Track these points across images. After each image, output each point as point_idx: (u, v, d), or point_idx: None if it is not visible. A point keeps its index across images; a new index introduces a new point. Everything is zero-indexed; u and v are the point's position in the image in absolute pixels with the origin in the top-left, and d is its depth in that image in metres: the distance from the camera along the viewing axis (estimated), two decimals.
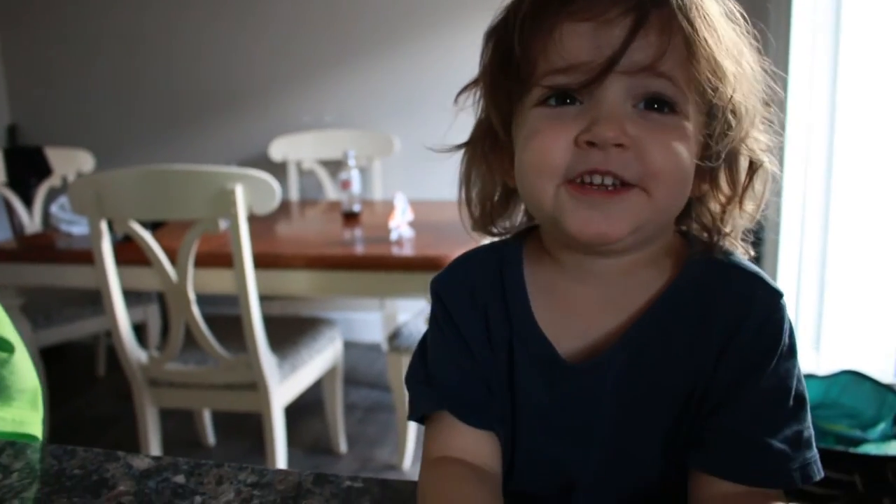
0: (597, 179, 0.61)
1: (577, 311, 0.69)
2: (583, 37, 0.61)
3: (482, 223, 0.75)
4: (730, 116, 0.64)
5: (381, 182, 3.26)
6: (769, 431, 0.63)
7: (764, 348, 0.64)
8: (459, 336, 0.72)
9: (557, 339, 0.69)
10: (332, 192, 3.27)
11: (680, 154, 0.62)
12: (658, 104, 0.62)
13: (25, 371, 0.97)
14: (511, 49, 0.64)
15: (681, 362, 0.66)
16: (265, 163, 3.26)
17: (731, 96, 0.63)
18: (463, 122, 0.74)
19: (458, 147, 0.74)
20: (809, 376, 1.64)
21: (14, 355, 0.94)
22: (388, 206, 2.55)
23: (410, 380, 0.75)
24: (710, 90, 0.62)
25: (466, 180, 0.74)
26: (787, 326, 0.65)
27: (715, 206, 0.69)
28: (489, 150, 0.72)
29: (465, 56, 3.36)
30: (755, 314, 0.64)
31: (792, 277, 2.55)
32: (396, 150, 3.21)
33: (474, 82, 0.71)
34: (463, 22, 3.27)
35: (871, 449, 1.44)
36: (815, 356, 2.48)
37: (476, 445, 0.70)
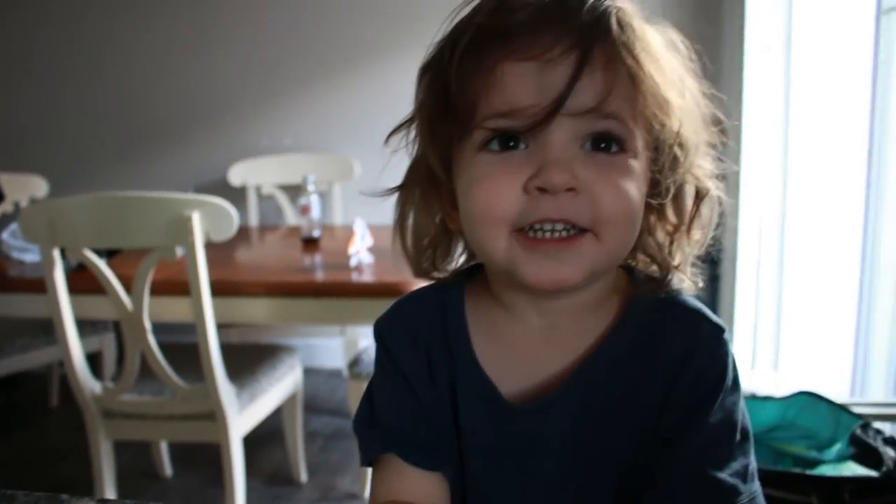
0: (547, 227, 0.60)
1: (521, 352, 0.69)
2: (525, 77, 0.59)
3: (421, 267, 0.73)
4: (676, 150, 0.63)
5: (342, 206, 3.24)
6: (719, 465, 0.63)
7: (711, 383, 0.64)
8: (403, 378, 0.71)
9: (500, 380, 0.68)
10: (291, 217, 3.24)
11: (630, 195, 0.61)
12: (605, 143, 0.61)
13: None
14: (448, 88, 0.62)
15: (630, 402, 0.66)
16: (224, 188, 3.22)
17: (678, 130, 0.62)
18: (401, 157, 0.72)
19: (393, 190, 0.72)
20: (767, 398, 1.66)
21: None
22: (349, 231, 2.53)
23: (357, 424, 0.74)
24: (656, 125, 0.61)
25: (401, 222, 0.72)
26: (731, 361, 0.65)
27: (662, 237, 0.68)
28: (428, 191, 0.70)
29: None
30: (700, 350, 0.65)
31: (750, 299, 2.59)
32: (356, 174, 3.20)
33: (408, 121, 0.70)
34: (423, 45, 3.28)
35: (827, 470, 1.45)
36: (775, 377, 2.51)
37: (424, 487, 0.69)
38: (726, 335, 0.66)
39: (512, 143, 0.61)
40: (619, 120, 0.60)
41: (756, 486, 0.64)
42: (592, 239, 0.61)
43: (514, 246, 0.61)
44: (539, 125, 0.59)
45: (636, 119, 0.61)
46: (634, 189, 0.61)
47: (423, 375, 0.71)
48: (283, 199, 3.27)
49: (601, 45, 0.59)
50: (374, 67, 3.39)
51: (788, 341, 2.53)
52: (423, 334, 0.71)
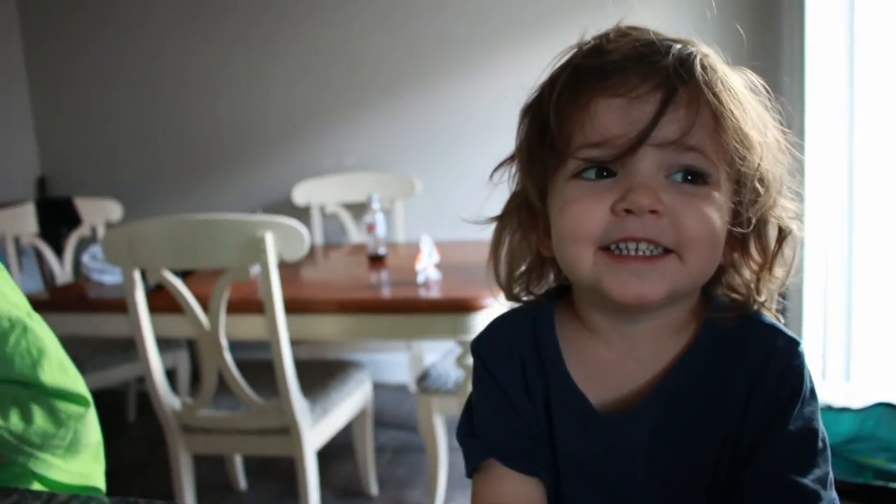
0: (631, 247, 0.65)
1: (608, 369, 0.73)
2: (616, 112, 0.64)
3: (512, 292, 0.78)
4: (757, 185, 0.67)
5: (404, 224, 3.30)
6: (802, 472, 0.65)
7: (788, 394, 0.67)
8: (500, 391, 0.75)
9: (590, 393, 0.72)
10: (355, 234, 3.31)
11: (712, 221, 0.65)
12: (691, 176, 0.65)
13: (93, 425, 1.01)
14: (546, 124, 0.68)
15: (711, 413, 0.69)
16: (289, 207, 3.31)
17: (759, 165, 0.66)
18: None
19: (493, 219, 0.77)
20: (843, 409, 1.65)
21: (88, 410, 0.99)
22: (412, 248, 2.58)
23: (460, 435, 0.79)
24: (738, 160, 0.65)
25: (496, 249, 0.77)
26: (806, 372, 0.68)
27: (747, 273, 0.72)
28: (524, 221, 0.75)
29: (484, 99, 3.42)
30: (776, 362, 0.68)
31: (819, 309, 2.55)
32: (418, 192, 3.25)
33: (510, 158, 0.75)
34: (483, 65, 3.33)
35: None
36: (846, 388, 2.47)
37: (524, 491, 0.74)
38: (801, 348, 0.69)
39: (605, 173, 0.66)
40: (701, 153, 0.64)
41: (834, 494, 0.66)
42: (676, 260, 0.65)
43: (599, 262, 0.66)
44: (626, 154, 0.64)
45: (718, 153, 0.65)
46: (715, 216, 0.65)
47: (518, 388, 0.75)
48: (346, 218, 3.33)
49: (685, 84, 0.64)
50: (433, 87, 3.44)
51: (860, 351, 2.49)
52: (518, 351, 0.76)
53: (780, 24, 2.81)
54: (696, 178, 0.65)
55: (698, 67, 0.64)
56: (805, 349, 0.69)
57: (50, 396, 0.97)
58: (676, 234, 0.64)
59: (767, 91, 0.70)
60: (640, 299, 0.65)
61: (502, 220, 0.77)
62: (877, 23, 2.30)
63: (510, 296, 0.78)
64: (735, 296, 0.73)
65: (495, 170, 0.76)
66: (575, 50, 0.69)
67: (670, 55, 0.64)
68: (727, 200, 0.67)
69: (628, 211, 0.64)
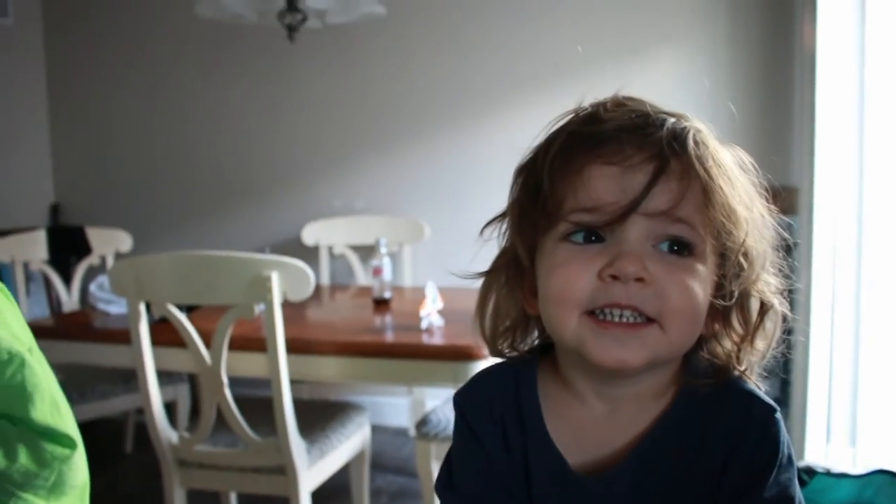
0: (616, 313, 0.66)
1: (587, 430, 0.73)
2: (609, 179, 0.66)
3: (497, 348, 0.79)
4: (742, 259, 0.69)
5: (411, 268, 3.31)
6: None
7: (763, 461, 0.67)
8: (480, 445, 0.77)
9: (568, 453, 0.73)
10: (362, 276, 3.32)
11: (695, 293, 0.67)
12: (677, 246, 0.67)
13: (80, 467, 1.01)
14: (540, 185, 0.69)
15: (687, 478, 0.70)
16: (297, 246, 3.33)
17: (744, 240, 0.68)
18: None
19: (481, 274, 0.78)
20: (842, 475, 1.63)
21: (75, 452, 0.98)
22: (418, 293, 2.58)
23: (438, 486, 0.80)
24: (724, 234, 0.67)
25: (482, 304, 0.78)
26: (783, 438, 0.68)
27: (728, 345, 0.73)
28: (512, 278, 0.76)
29: (494, 151, 3.45)
30: (752, 428, 0.68)
31: (824, 371, 2.54)
32: (426, 237, 3.27)
33: (501, 215, 0.77)
34: (492, 113, 3.37)
35: None
36: (852, 452, 2.45)
37: None
38: (778, 414, 0.69)
39: (593, 238, 0.68)
40: (689, 225, 0.66)
41: None
42: (657, 329, 0.66)
43: (583, 326, 0.67)
44: (617, 220, 0.66)
45: (706, 226, 0.67)
46: (699, 288, 0.67)
47: (497, 444, 0.76)
48: (354, 259, 3.35)
49: (677, 157, 0.66)
50: (445, 137, 3.48)
51: (866, 416, 2.47)
52: (499, 407, 0.77)
53: (792, 87, 2.84)
54: (682, 249, 0.67)
55: (691, 142, 0.66)
56: (781, 416, 0.70)
57: (37, 435, 0.96)
58: (660, 305, 0.65)
59: (755, 168, 0.72)
60: (620, 364, 0.66)
61: (490, 275, 0.78)
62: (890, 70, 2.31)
63: (494, 351, 0.79)
64: (716, 361, 0.74)
65: (486, 225, 0.77)
66: (572, 115, 0.71)
67: (664, 128, 0.66)
68: (711, 273, 0.69)
69: (615, 277, 0.65)
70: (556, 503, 0.73)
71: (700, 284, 0.67)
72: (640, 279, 0.65)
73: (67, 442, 0.99)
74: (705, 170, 0.66)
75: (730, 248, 0.68)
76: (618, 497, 0.70)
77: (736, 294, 0.70)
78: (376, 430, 3.07)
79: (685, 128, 0.68)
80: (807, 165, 2.48)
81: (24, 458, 0.94)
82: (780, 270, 0.73)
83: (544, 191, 0.69)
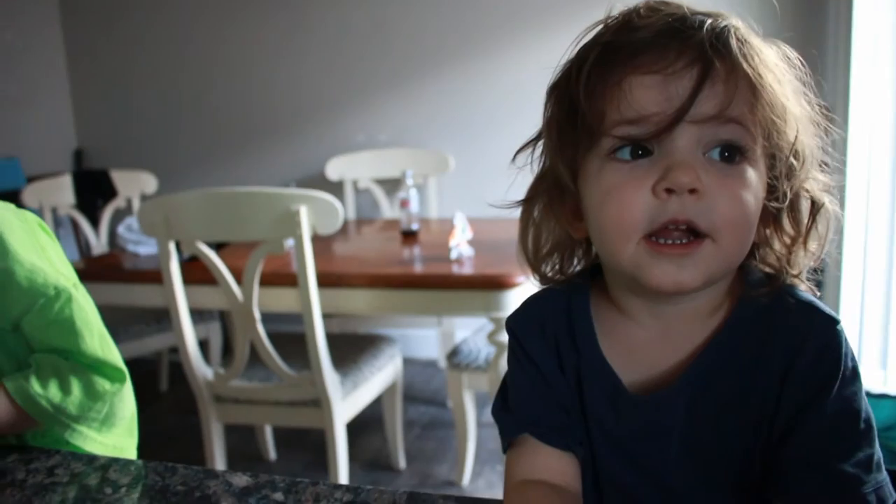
0: (671, 236, 0.64)
1: (641, 349, 0.72)
2: (651, 89, 0.63)
3: (543, 274, 0.77)
4: (792, 159, 0.66)
5: (437, 201, 3.29)
6: (840, 456, 0.63)
7: (825, 374, 0.65)
8: (534, 366, 0.75)
9: (622, 371, 0.72)
10: (387, 210, 3.31)
11: (747, 204, 0.64)
12: (729, 152, 0.64)
13: (128, 399, 1.03)
14: (576, 103, 0.66)
15: (744, 395, 0.68)
16: (322, 182, 3.32)
17: (795, 137, 0.65)
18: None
19: (520, 202, 0.76)
20: (882, 395, 1.62)
21: (124, 384, 1.00)
22: (445, 225, 2.57)
23: (495, 410, 0.79)
24: (774, 133, 0.64)
25: (524, 232, 0.76)
26: (845, 351, 0.65)
27: (780, 248, 0.71)
28: (553, 203, 0.74)
29: (519, 78, 3.39)
30: (812, 341, 0.65)
31: (856, 295, 2.52)
32: (451, 169, 3.24)
33: (535, 139, 0.74)
34: (515, 42, 3.30)
35: None
36: (883, 375, 2.44)
37: (557, 466, 0.73)
38: (839, 326, 0.67)
39: (640, 152, 0.65)
40: (740, 125, 0.63)
41: (883, 475, 0.64)
42: (711, 244, 0.64)
43: (640, 252, 0.65)
44: (664, 131, 0.63)
45: (756, 126, 0.64)
46: (751, 197, 0.64)
47: (552, 363, 0.75)
48: (379, 193, 3.34)
49: (721, 58, 0.62)
50: (467, 64, 3.42)
51: None
52: (551, 327, 0.76)
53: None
54: (733, 154, 0.64)
55: (733, 40, 0.63)
56: (843, 328, 0.67)
57: (88, 369, 0.98)
58: (713, 218, 0.63)
59: (802, 64, 0.69)
60: (677, 287, 0.64)
61: (529, 202, 0.76)
62: None
63: (543, 279, 0.77)
64: (768, 270, 0.72)
65: (519, 151, 0.74)
66: (602, 27, 0.67)
67: (704, 29, 0.63)
68: (763, 176, 0.66)
69: (669, 191, 0.63)
70: (611, 423, 0.72)
71: (752, 192, 0.65)
72: (693, 190, 0.62)
73: (117, 374, 1.00)
74: (752, 67, 0.63)
75: (781, 147, 0.66)
76: (673, 415, 0.69)
77: (790, 195, 0.67)
78: (406, 362, 3.11)
79: (726, 26, 0.64)
80: (841, 85, 2.42)
81: (77, 391, 0.96)
82: (836, 168, 0.71)
83: (582, 107, 0.66)
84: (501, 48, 3.34)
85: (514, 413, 0.76)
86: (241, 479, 0.79)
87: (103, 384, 0.98)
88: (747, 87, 0.63)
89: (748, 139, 0.64)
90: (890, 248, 2.41)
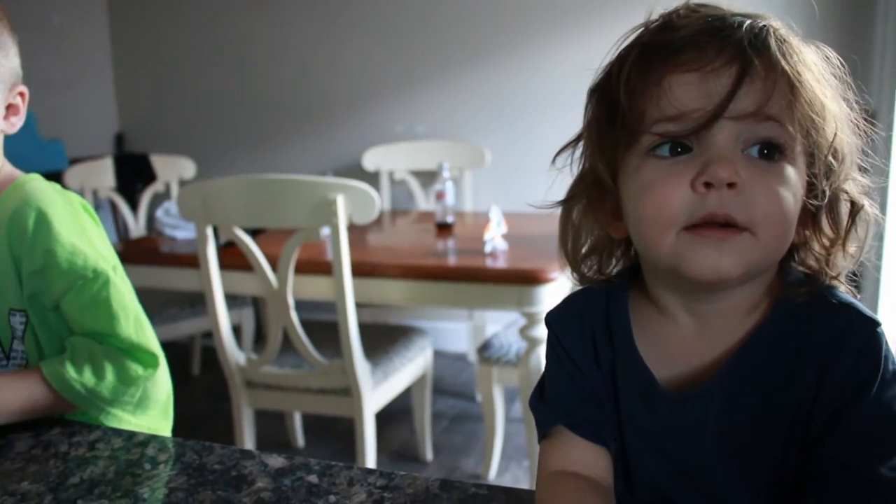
0: (712, 227, 0.64)
1: (677, 347, 0.72)
2: (690, 86, 0.63)
3: (582, 273, 0.78)
4: (831, 158, 0.66)
5: (472, 193, 3.29)
6: (877, 459, 0.62)
7: (863, 376, 0.64)
8: (570, 359, 0.76)
9: (656, 368, 0.72)
10: (422, 202, 3.32)
11: (786, 200, 0.64)
12: (768, 149, 0.64)
13: (163, 382, 1.04)
14: (616, 102, 0.67)
15: (780, 395, 0.67)
16: (358, 172, 3.33)
17: (834, 136, 0.65)
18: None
19: (560, 202, 0.76)
20: None
21: (158, 369, 1.01)
22: (480, 218, 2.57)
23: (532, 401, 0.79)
24: (813, 131, 0.64)
25: (564, 232, 0.77)
26: (886, 353, 0.64)
27: (819, 250, 0.71)
28: (593, 202, 0.74)
29: (557, 75, 3.37)
30: (851, 343, 0.65)
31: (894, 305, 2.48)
32: (487, 162, 3.24)
33: (576, 139, 0.74)
34: (556, 38, 3.29)
35: None
36: None
37: (591, 458, 0.73)
38: (881, 328, 0.65)
39: (680, 149, 0.65)
40: (778, 122, 0.63)
41: None
42: (750, 236, 0.63)
43: (680, 241, 0.65)
44: (703, 128, 0.63)
45: (794, 123, 0.64)
46: (789, 194, 0.64)
47: (588, 359, 0.76)
48: (414, 185, 3.34)
49: (760, 56, 0.63)
50: (504, 58, 3.42)
51: None
52: (588, 323, 0.76)
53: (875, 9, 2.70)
54: (772, 152, 0.64)
55: (772, 39, 0.64)
56: (884, 330, 0.66)
57: (122, 353, 0.99)
58: (751, 212, 0.63)
59: (842, 64, 0.68)
60: (717, 274, 0.64)
61: (569, 203, 0.76)
62: None
63: (582, 279, 0.78)
64: (807, 271, 0.71)
65: (559, 152, 0.75)
66: (642, 29, 0.68)
67: (743, 28, 0.64)
68: (802, 174, 0.66)
69: (708, 185, 0.63)
70: (645, 419, 0.72)
71: (791, 189, 0.64)
72: (732, 185, 0.62)
73: (150, 359, 1.01)
74: (790, 65, 0.63)
75: (820, 145, 0.66)
76: (707, 413, 0.69)
77: (828, 193, 0.67)
78: (436, 355, 3.12)
79: (765, 26, 0.65)
80: (887, 86, 2.38)
81: (111, 375, 0.97)
82: (878, 169, 0.70)
83: (623, 106, 0.66)
84: (543, 45, 3.32)
85: (548, 405, 0.76)
86: (276, 461, 0.80)
87: (136, 369, 1.00)
88: (786, 85, 0.63)
89: (787, 136, 0.64)
90: None
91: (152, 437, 0.85)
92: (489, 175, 3.34)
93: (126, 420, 1.04)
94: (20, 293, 0.99)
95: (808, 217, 0.68)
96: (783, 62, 0.62)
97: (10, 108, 1.01)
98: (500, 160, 3.30)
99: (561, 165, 0.75)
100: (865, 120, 0.69)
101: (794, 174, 0.65)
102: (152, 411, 1.09)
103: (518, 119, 3.38)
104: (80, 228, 1.02)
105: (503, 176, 3.32)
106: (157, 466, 0.79)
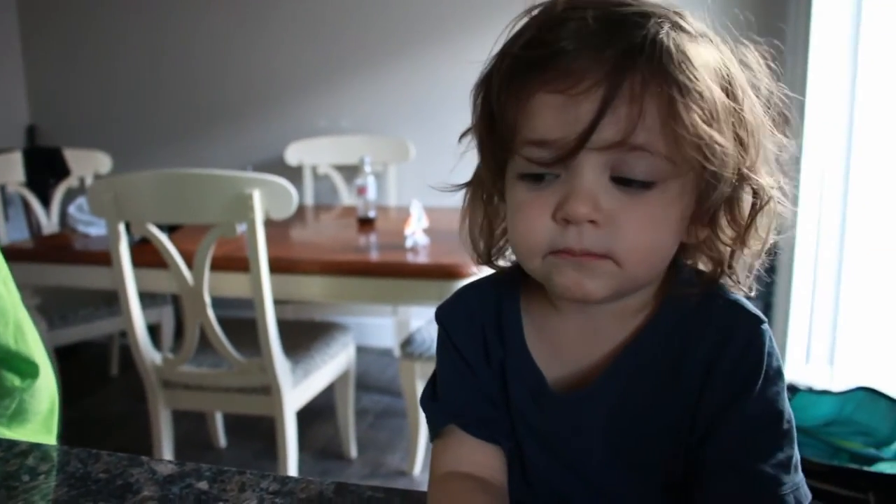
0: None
1: (566, 345, 0.71)
2: (555, 110, 0.59)
3: (481, 256, 0.75)
4: (727, 171, 0.62)
5: (396, 188, 3.27)
6: (761, 456, 0.63)
7: (747, 373, 0.64)
8: (461, 357, 0.74)
9: (547, 368, 0.71)
10: (346, 197, 3.28)
11: (655, 229, 0.62)
12: (633, 180, 0.60)
13: (44, 393, 0.98)
14: (493, 111, 0.64)
15: (667, 394, 0.67)
16: (281, 167, 3.27)
17: (724, 160, 0.61)
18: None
19: (459, 187, 0.74)
20: (824, 392, 1.64)
21: (37, 380, 0.96)
22: (403, 213, 2.56)
23: (423, 400, 0.78)
24: (703, 151, 0.60)
25: (465, 217, 0.74)
26: (769, 350, 0.65)
27: (721, 249, 0.68)
28: (485, 197, 0.72)
29: (478, 63, 3.36)
30: (736, 340, 0.64)
31: (806, 292, 2.55)
32: (412, 156, 3.22)
33: (468, 131, 0.71)
34: (477, 28, 3.28)
35: (885, 468, 1.43)
36: (830, 371, 2.48)
37: (483, 458, 0.72)
38: (764, 325, 0.66)
39: (548, 174, 0.62)
40: (648, 151, 0.59)
41: (799, 477, 0.64)
42: (612, 264, 0.61)
43: (547, 264, 0.63)
44: (567, 158, 0.60)
45: (673, 148, 0.59)
46: (661, 223, 0.62)
47: (479, 356, 0.74)
48: (338, 180, 3.31)
49: (634, 74, 0.58)
50: (429, 52, 3.40)
51: (845, 336, 2.50)
52: (479, 318, 0.74)
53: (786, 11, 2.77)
54: (639, 181, 0.61)
55: (658, 49, 0.58)
56: (769, 328, 0.66)
57: None
58: (613, 244, 0.60)
59: (763, 59, 0.65)
60: (584, 296, 0.63)
61: (471, 187, 0.73)
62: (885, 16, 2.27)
63: (486, 263, 0.75)
64: (703, 268, 0.70)
65: (461, 136, 0.71)
66: (525, 25, 0.63)
67: (624, 35, 0.59)
68: (687, 190, 0.63)
69: (567, 220, 0.61)
70: (535, 419, 0.72)
71: (663, 216, 0.62)
72: (592, 221, 0.60)
73: (29, 368, 0.95)
74: (673, 82, 0.58)
75: (715, 160, 0.60)
76: (598, 412, 0.68)
77: (724, 194, 0.64)
78: (361, 350, 3.10)
79: (650, 31, 0.59)
80: (799, 82, 2.44)
81: None
82: (778, 158, 0.67)
83: (497, 119, 0.63)
84: (465, 37, 3.31)
85: (440, 403, 0.75)
86: (165, 467, 0.77)
87: (12, 380, 0.94)
88: (663, 107, 0.58)
89: (656, 164, 0.59)
90: (840, 246, 2.44)
91: (34, 447, 0.81)
92: (413, 169, 3.32)
93: (0, 433, 0.97)
94: None
95: (706, 216, 0.65)
96: (658, 83, 0.58)
97: None
98: (425, 154, 3.28)
99: (464, 150, 0.71)
100: (782, 117, 0.66)
101: (670, 197, 0.61)
102: (32, 424, 1.02)
103: (442, 113, 3.36)
104: None
105: (428, 170, 3.30)
106: (37, 477, 0.75)
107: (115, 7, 3.77)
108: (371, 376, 3.29)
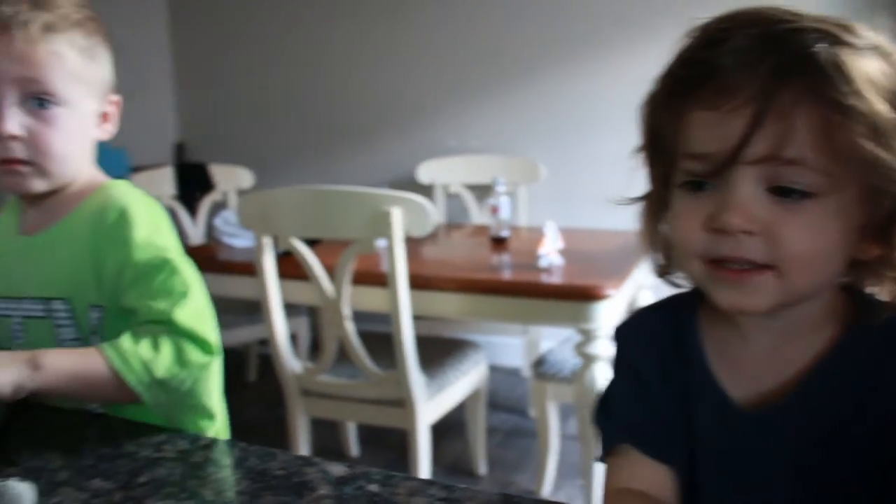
0: (735, 261, 0.63)
1: (749, 364, 0.70)
2: (709, 126, 0.62)
3: (661, 267, 0.76)
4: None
5: (527, 209, 3.28)
6: None
7: None
8: (638, 377, 0.75)
9: (731, 387, 0.71)
10: (477, 216, 3.31)
11: (814, 238, 0.61)
12: (789, 191, 0.61)
13: (216, 375, 1.03)
14: (655, 125, 0.68)
15: (855, 423, 0.66)
16: (413, 185, 3.34)
17: (889, 175, 0.60)
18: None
19: (637, 199, 0.76)
20: None
21: (214, 359, 1.00)
22: (535, 233, 2.56)
23: (596, 418, 0.79)
24: (865, 163, 0.59)
25: (642, 229, 0.76)
26: None
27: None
28: (657, 210, 0.73)
29: (614, 88, 3.33)
30: None
31: None
32: (543, 177, 3.22)
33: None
34: (611, 51, 3.27)
35: None
36: None
37: (655, 478, 0.73)
38: None
39: (705, 184, 0.65)
40: (804, 165, 0.60)
41: None
42: (773, 275, 0.62)
43: (704, 273, 0.65)
44: (720, 171, 0.62)
45: (831, 161, 0.59)
46: (821, 230, 0.61)
47: (656, 376, 0.75)
48: (469, 199, 3.35)
49: (784, 92, 0.59)
50: (558, 72, 3.40)
51: None
52: (658, 339, 0.75)
53: None
54: (796, 193, 0.61)
55: (809, 66, 0.59)
56: None
57: (180, 336, 0.97)
58: (774, 252, 0.61)
59: None
60: (739, 312, 0.65)
61: (645, 200, 0.75)
62: None
63: (663, 276, 0.76)
64: (884, 297, 0.68)
65: (634, 151, 0.73)
66: (686, 43, 0.66)
67: (776, 52, 0.59)
68: (848, 203, 0.62)
69: (720, 230, 0.62)
70: (717, 438, 0.71)
71: (823, 226, 0.61)
72: (746, 231, 0.61)
73: (209, 347, 1.00)
74: (825, 98, 0.58)
75: (880, 172, 0.60)
76: (782, 434, 0.68)
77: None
78: (491, 369, 3.10)
79: (803, 47, 0.59)
80: None
81: (167, 351, 0.95)
82: None
83: (661, 134, 0.67)
84: (600, 58, 3.30)
85: (614, 422, 0.75)
86: (337, 469, 0.80)
87: (195, 353, 0.98)
88: (817, 121, 0.59)
89: (813, 176, 0.60)
90: None
91: (216, 441, 0.87)
92: (544, 190, 3.32)
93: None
94: (99, 289, 1.01)
95: (878, 233, 0.64)
96: (814, 96, 0.58)
97: (104, 116, 1.05)
98: (556, 176, 3.28)
99: (630, 167, 0.74)
100: None
101: (828, 209, 0.61)
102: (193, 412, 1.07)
103: (574, 134, 3.36)
104: (156, 226, 1.03)
105: (559, 191, 3.31)
106: (222, 470, 0.80)
107: (259, 27, 3.96)
108: (500, 395, 3.29)
